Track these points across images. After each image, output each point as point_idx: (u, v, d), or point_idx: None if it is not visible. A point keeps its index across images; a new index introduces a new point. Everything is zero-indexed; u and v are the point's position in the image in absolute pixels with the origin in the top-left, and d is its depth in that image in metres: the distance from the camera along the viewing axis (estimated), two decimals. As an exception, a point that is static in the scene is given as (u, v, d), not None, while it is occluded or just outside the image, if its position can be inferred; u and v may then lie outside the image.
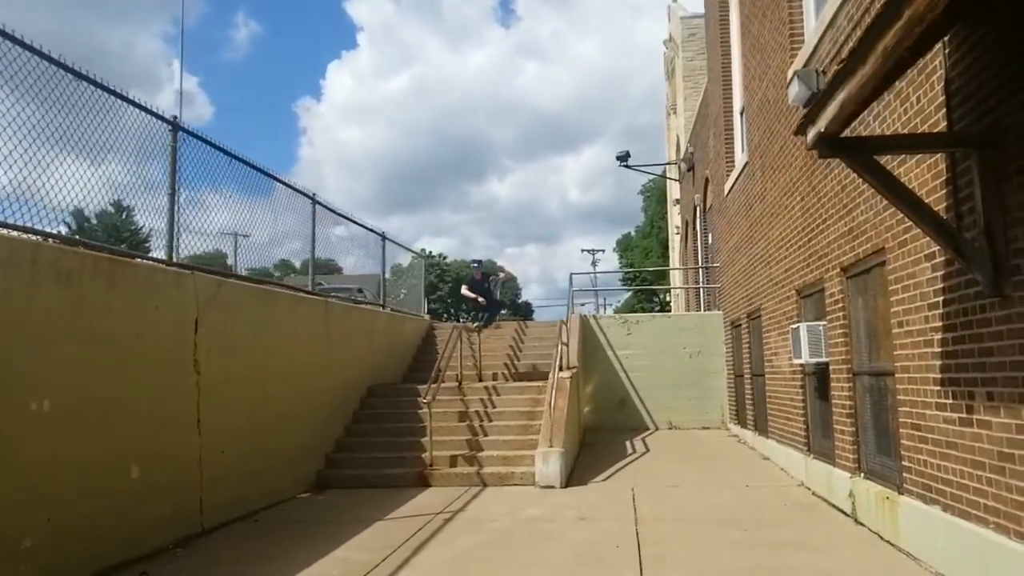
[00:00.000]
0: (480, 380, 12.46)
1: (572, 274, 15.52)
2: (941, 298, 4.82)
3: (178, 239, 7.05)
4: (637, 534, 6.28)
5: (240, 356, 7.63)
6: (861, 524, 6.40)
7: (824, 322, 7.59)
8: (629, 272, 55.81)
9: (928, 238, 4.89)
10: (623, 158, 22.30)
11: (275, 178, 9.05)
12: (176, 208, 7.00)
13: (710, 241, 17.22)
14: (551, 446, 8.99)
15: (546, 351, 13.48)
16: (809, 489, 8.15)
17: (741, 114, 12.41)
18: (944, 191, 4.69)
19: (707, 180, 16.70)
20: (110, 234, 7.10)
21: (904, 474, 5.56)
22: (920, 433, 5.24)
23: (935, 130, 4.77)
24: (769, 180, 9.92)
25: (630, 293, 54.94)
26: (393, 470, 9.32)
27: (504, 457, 9.39)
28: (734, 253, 13.24)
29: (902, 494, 5.63)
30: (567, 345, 12.65)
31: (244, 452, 7.60)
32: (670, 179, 22.99)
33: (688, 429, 14.42)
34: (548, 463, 8.79)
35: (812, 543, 5.85)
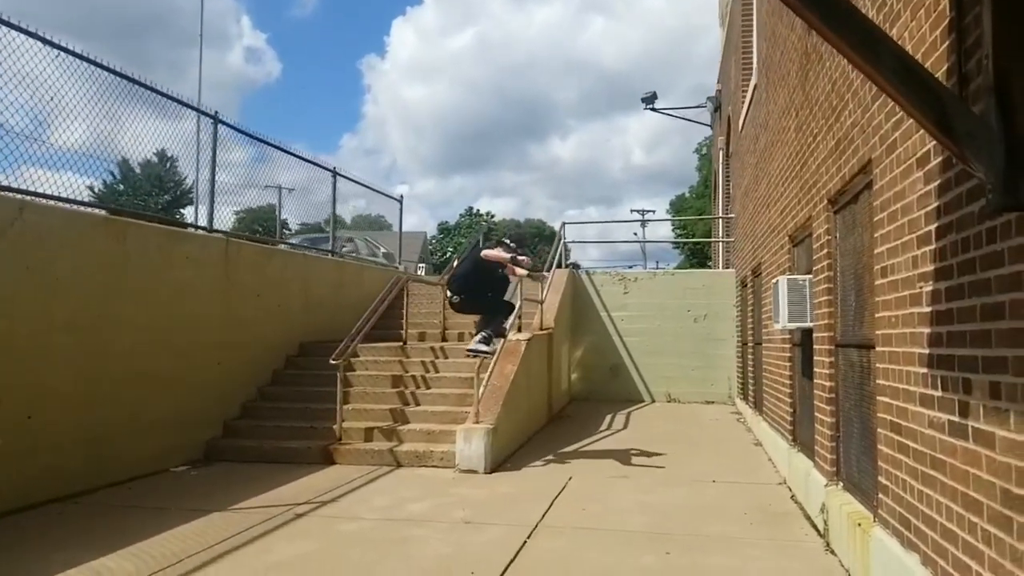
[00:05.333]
0: (444, 340, 10.85)
1: (564, 223, 13.52)
2: (934, 225, 2.95)
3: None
4: (517, 552, 4.62)
5: (69, 301, 6.17)
6: (832, 552, 4.60)
7: (809, 276, 5.68)
8: (682, 233, 53.01)
9: (922, 131, 3.01)
10: (649, 100, 20.08)
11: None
12: None
13: (731, 189, 15.11)
14: (477, 422, 7.36)
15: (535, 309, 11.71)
16: (790, 490, 6.33)
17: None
18: (945, 44, 2.78)
19: (729, 120, 14.52)
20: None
21: (880, 495, 3.73)
22: (900, 438, 3.40)
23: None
24: (771, 100, 7.91)
25: (683, 257, 52.18)
26: (296, 443, 7.84)
27: (428, 433, 7.80)
28: (744, 199, 11.21)
29: (876, 523, 3.82)
30: (542, 303, 10.92)
31: (75, 419, 6.20)
32: (700, 123, 20.69)
33: (688, 403, 12.58)
34: (471, 443, 7.16)
35: (749, 582, 4.09)
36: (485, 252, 7.64)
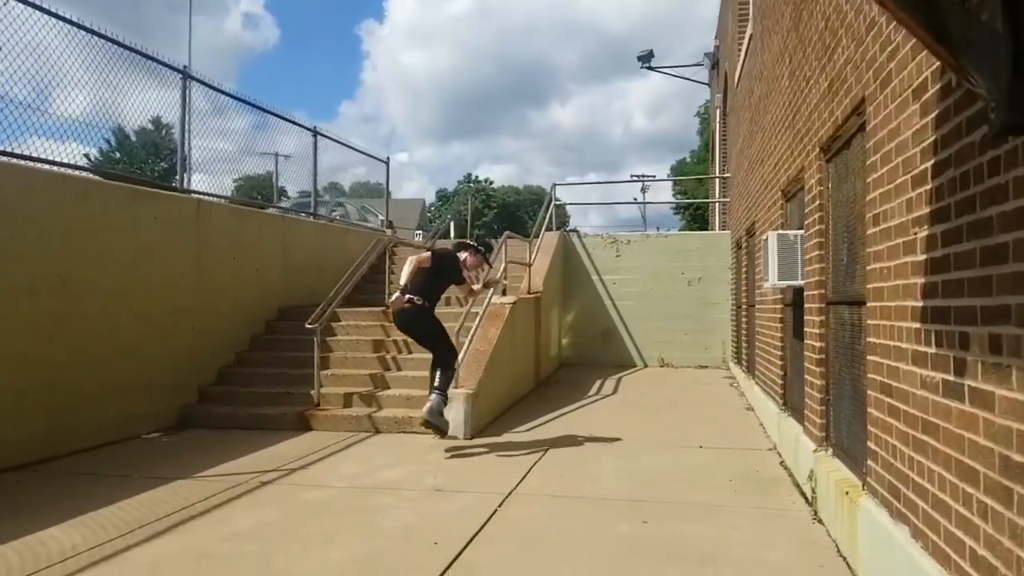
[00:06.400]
0: (430, 304, 10.55)
1: (555, 184, 13.15)
2: (930, 162, 2.63)
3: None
4: (486, 522, 4.38)
5: (26, 263, 5.87)
6: (819, 522, 4.35)
7: (800, 232, 5.36)
8: (683, 199, 52.35)
9: (918, 59, 2.68)
10: (645, 58, 19.53)
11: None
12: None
13: (727, 148, 14.70)
14: (457, 387, 7.09)
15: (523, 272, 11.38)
16: (779, 456, 6.09)
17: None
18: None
19: (726, 76, 14.06)
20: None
21: (869, 462, 3.46)
22: (891, 400, 3.11)
23: None
24: (766, 49, 7.52)
25: (683, 223, 51.52)
26: (272, 409, 7.59)
27: (408, 398, 7.54)
28: (739, 157, 10.84)
29: (864, 491, 3.56)
30: (531, 266, 10.62)
31: (36, 385, 5.95)
32: (698, 82, 20.14)
33: (681, 367, 12.34)
34: (450, 409, 6.90)
35: (730, 554, 3.84)
36: (467, 260, 6.78)
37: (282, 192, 13.19)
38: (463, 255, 6.79)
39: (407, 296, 6.34)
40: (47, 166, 6.27)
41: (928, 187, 2.64)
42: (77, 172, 6.66)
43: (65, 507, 4.67)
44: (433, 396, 6.39)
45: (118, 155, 11.92)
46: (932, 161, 2.61)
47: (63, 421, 6.21)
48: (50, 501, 4.87)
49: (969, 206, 2.27)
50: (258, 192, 14.69)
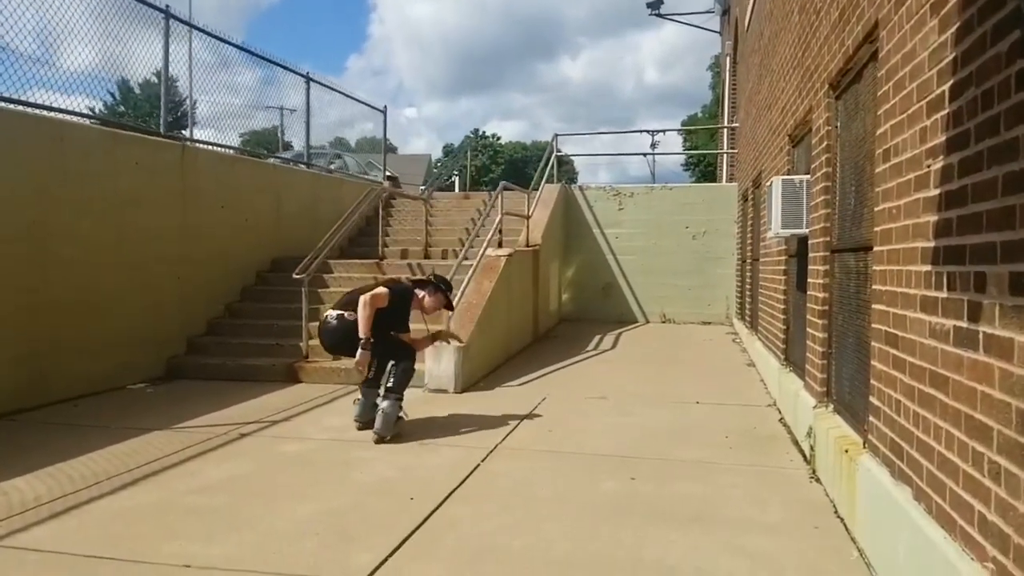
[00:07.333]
0: (427, 257, 10.32)
1: (556, 135, 12.77)
2: (948, 83, 2.33)
3: None
4: (466, 477, 4.19)
5: (-5, 208, 5.65)
6: (817, 481, 4.15)
7: (807, 176, 5.06)
8: (693, 156, 51.41)
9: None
10: (654, 5, 18.89)
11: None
12: None
13: (736, 97, 14.23)
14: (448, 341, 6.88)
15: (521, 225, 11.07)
16: (779, 413, 5.88)
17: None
18: None
19: (736, 22, 13.53)
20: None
21: (871, 418, 3.23)
22: (896, 352, 2.86)
23: None
24: (777, -14, 7.10)
25: (693, 180, 50.61)
26: (261, 360, 7.42)
27: (399, 351, 7.33)
28: (748, 104, 10.43)
29: (865, 449, 3.33)
30: (529, 218, 10.33)
31: (11, 335, 5.77)
32: (709, 30, 19.51)
33: (683, 323, 12.11)
34: (440, 362, 6.71)
35: (720, 514, 3.64)
36: (425, 299, 5.50)
37: (288, 146, 12.92)
38: (421, 293, 5.50)
39: (336, 312, 5.23)
40: (16, 106, 5.99)
41: (945, 112, 2.35)
42: (52, 114, 6.37)
43: (34, 458, 4.52)
44: (385, 404, 5.01)
45: (122, 108, 11.66)
46: (950, 82, 2.31)
47: (41, 371, 6.04)
48: (20, 451, 4.71)
49: (991, 128, 1.99)
50: (264, 147, 14.47)
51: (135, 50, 7.37)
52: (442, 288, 5.61)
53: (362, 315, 4.96)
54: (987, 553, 1.95)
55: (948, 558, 2.16)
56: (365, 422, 5.21)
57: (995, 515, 1.90)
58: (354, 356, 5.06)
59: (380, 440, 4.94)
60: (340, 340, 5.20)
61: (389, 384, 5.13)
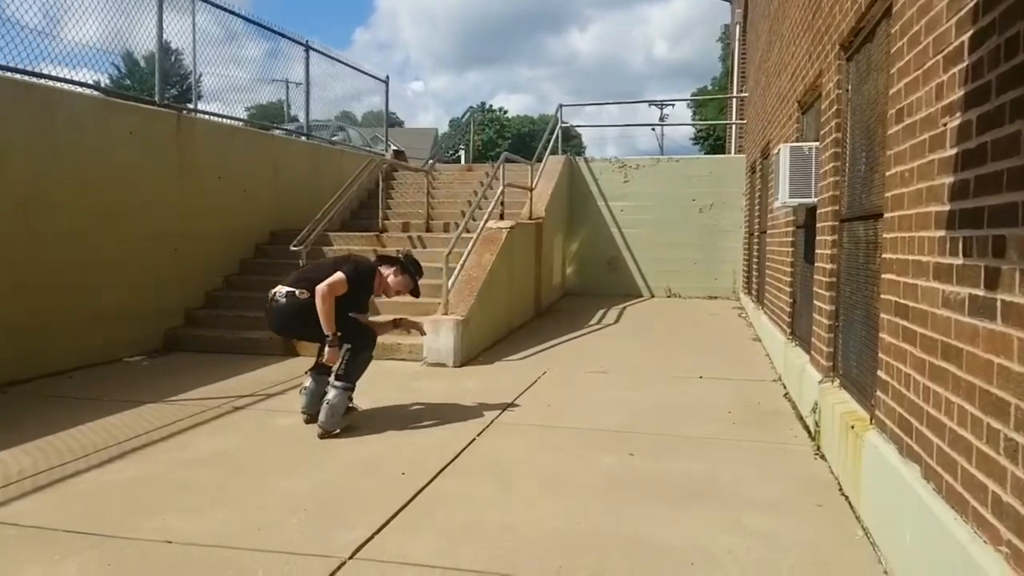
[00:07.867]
0: (429, 230, 10.17)
1: (561, 105, 12.55)
2: (968, 33, 2.16)
3: None
4: (460, 452, 4.09)
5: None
6: (822, 458, 4.03)
7: (815, 144, 4.88)
8: (702, 130, 50.80)
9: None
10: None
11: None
12: None
13: (745, 67, 13.94)
14: (446, 313, 6.77)
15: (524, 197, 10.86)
16: (784, 388, 5.75)
17: None
18: None
19: (747, -11, 13.20)
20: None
21: (879, 392, 3.09)
22: (906, 323, 2.72)
23: None
24: (788, -52, 6.85)
25: (697, 145, 49.93)
26: (258, 333, 7.31)
27: (398, 324, 7.23)
28: (757, 73, 10.18)
29: (872, 425, 3.20)
30: (532, 191, 10.16)
31: (4, 307, 5.68)
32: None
33: (689, 298, 11.96)
34: (439, 335, 6.60)
35: (721, 491, 3.53)
36: (389, 279, 4.82)
37: (293, 119, 12.75)
38: (386, 272, 4.82)
39: (287, 289, 4.55)
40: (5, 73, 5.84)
41: (963, 64, 2.18)
42: (41, 81, 6.22)
43: (23, 430, 4.44)
44: (331, 393, 4.45)
45: (128, 82, 11.50)
46: (970, 32, 2.14)
47: (35, 344, 5.96)
48: (9, 424, 4.64)
49: (1015, 78, 1.83)
50: (270, 120, 14.28)
51: (140, 21, 7.23)
52: (410, 270, 4.85)
53: (322, 310, 4.33)
54: (1001, 536, 1.83)
55: (959, 540, 2.03)
56: (312, 413, 4.58)
57: (1011, 496, 1.77)
58: (306, 339, 4.54)
59: (325, 435, 4.36)
60: (288, 322, 4.60)
61: (340, 371, 4.48)
